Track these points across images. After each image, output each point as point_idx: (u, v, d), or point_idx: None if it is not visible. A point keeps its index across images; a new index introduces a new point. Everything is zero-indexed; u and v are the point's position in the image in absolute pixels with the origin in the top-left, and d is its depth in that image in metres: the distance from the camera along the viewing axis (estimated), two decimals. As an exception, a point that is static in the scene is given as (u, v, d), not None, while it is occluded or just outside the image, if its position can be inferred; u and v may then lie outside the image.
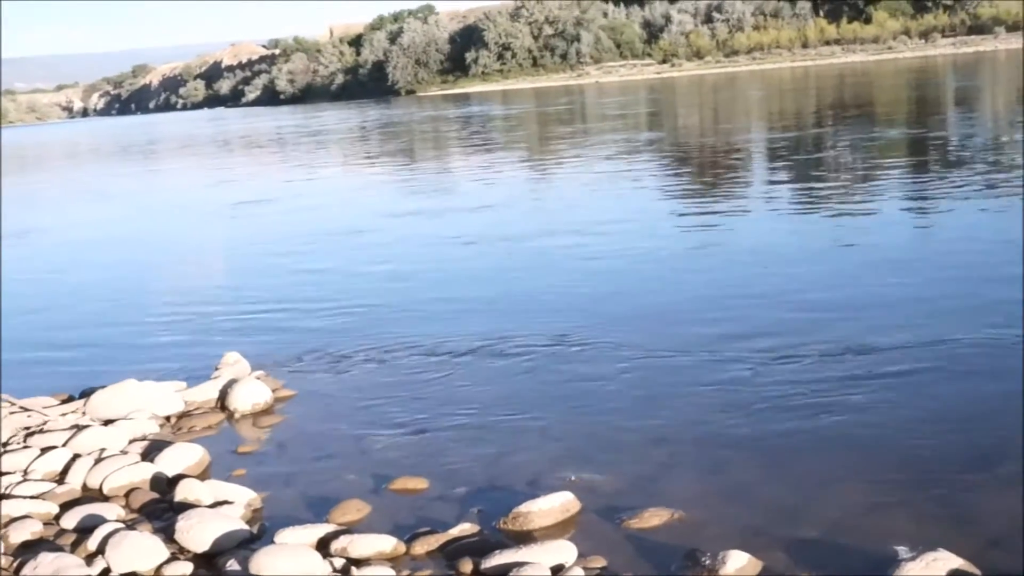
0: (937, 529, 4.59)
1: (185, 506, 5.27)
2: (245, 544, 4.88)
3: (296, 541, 4.77)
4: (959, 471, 5.21)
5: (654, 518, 4.93)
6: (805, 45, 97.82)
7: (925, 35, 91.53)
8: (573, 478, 5.45)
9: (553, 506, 5.01)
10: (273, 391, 7.36)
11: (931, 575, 4.05)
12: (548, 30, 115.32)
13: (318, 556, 4.53)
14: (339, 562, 4.60)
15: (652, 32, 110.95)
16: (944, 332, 7.45)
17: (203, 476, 5.90)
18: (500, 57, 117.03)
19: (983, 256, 9.83)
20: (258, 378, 7.52)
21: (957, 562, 4.13)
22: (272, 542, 4.79)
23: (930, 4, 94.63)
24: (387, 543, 4.77)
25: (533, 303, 9.55)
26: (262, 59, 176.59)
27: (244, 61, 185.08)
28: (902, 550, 4.33)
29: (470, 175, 23.17)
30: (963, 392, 6.31)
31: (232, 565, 4.59)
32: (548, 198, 18.10)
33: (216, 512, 5.12)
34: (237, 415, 7.07)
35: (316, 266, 12.68)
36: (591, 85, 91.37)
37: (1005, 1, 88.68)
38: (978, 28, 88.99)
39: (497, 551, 4.52)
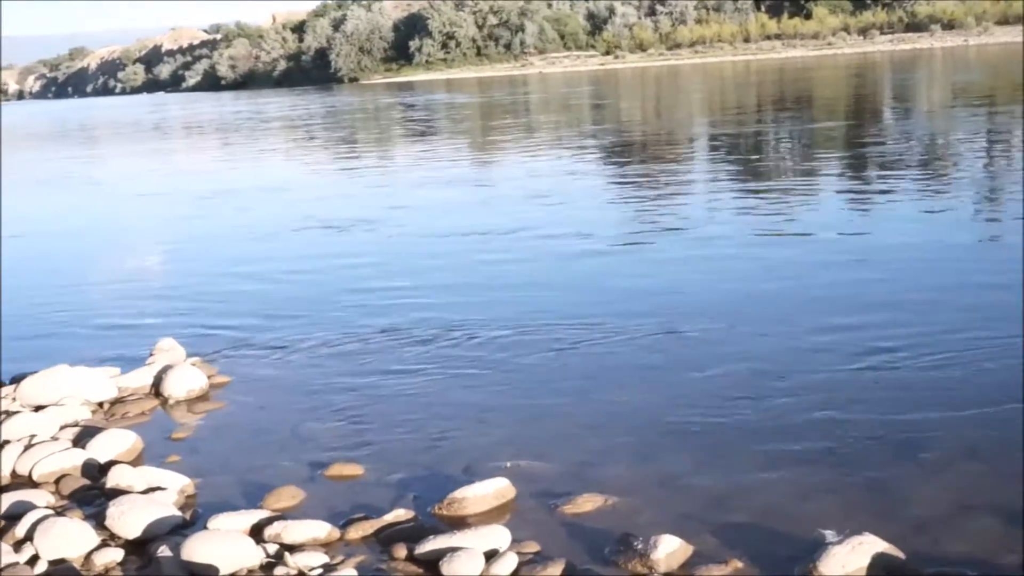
0: (864, 515, 4.67)
1: (117, 492, 5.22)
2: (177, 530, 4.85)
3: (229, 527, 4.74)
4: (886, 459, 5.32)
5: (588, 504, 4.97)
6: (746, 40, 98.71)
7: (864, 32, 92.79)
8: (508, 465, 5.48)
9: (488, 492, 5.03)
10: (209, 377, 7.29)
11: (856, 558, 4.14)
12: (492, 20, 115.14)
13: (251, 542, 4.51)
14: (272, 548, 4.58)
15: (596, 24, 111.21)
16: (869, 322, 7.58)
17: (136, 462, 5.83)
18: (444, 46, 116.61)
19: (918, 250, 10.00)
20: (193, 364, 7.45)
21: (882, 546, 4.22)
22: (205, 528, 4.76)
23: (869, 2, 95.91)
24: (321, 529, 4.76)
25: (471, 292, 9.56)
26: (203, 44, 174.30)
27: (185, 46, 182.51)
28: (829, 534, 4.42)
29: (414, 165, 23.08)
30: (890, 381, 6.42)
31: (163, 551, 4.55)
32: (490, 189, 18.08)
33: (148, 498, 5.07)
34: (172, 401, 7.00)
35: (256, 254, 12.56)
36: (535, 75, 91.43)
37: (942, 0, 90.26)
38: (915, 26, 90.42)
39: (431, 536, 4.54)
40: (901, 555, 4.23)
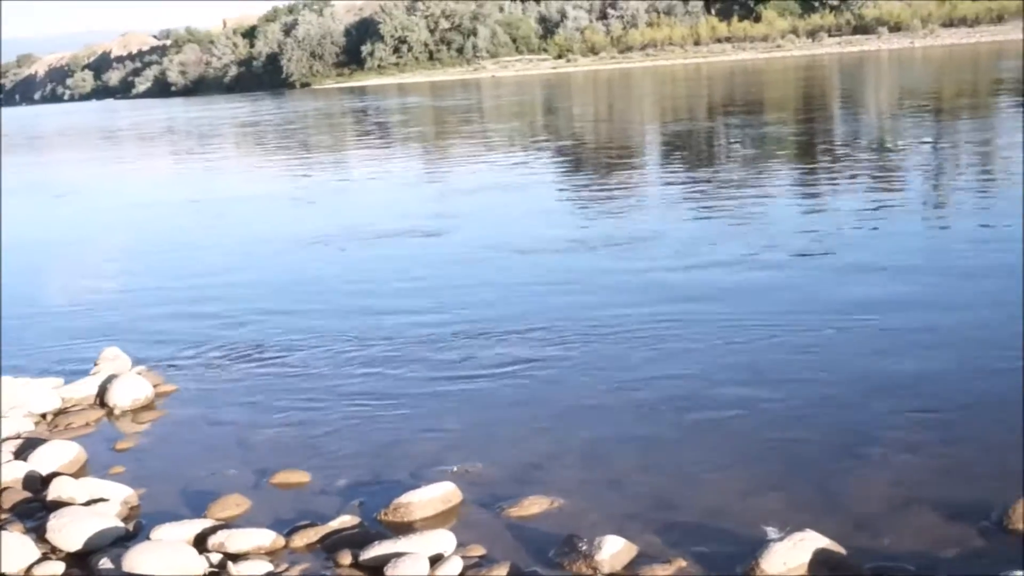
0: (806, 512, 4.72)
1: (58, 505, 5.15)
2: (120, 542, 4.79)
3: (172, 537, 4.70)
4: (829, 456, 5.37)
5: (534, 506, 4.98)
6: (697, 42, 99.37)
7: (812, 34, 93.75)
8: (455, 469, 5.47)
9: (434, 497, 5.03)
10: (154, 386, 7.22)
11: (798, 555, 4.18)
12: (444, 24, 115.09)
13: (194, 552, 4.48)
14: (216, 557, 4.55)
15: (548, 28, 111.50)
16: (809, 321, 7.66)
17: (79, 474, 5.76)
18: (396, 51, 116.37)
19: (869, 249, 10.12)
20: (139, 374, 7.38)
21: (823, 542, 4.27)
22: (148, 539, 4.71)
23: (817, 4, 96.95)
24: (266, 537, 4.73)
25: (417, 298, 9.53)
26: (153, 50, 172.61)
27: (134, 52, 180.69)
28: (771, 531, 4.46)
29: (365, 171, 23.01)
30: (833, 379, 6.49)
31: (105, 564, 4.50)
32: (436, 194, 18.08)
33: (90, 510, 5.01)
34: (116, 411, 6.93)
35: (203, 263, 12.45)
36: (488, 79, 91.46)
37: (888, 2, 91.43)
38: (862, 28, 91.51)
39: (376, 542, 4.52)
40: (842, 551, 4.27)
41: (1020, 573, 3.68)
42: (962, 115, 24.54)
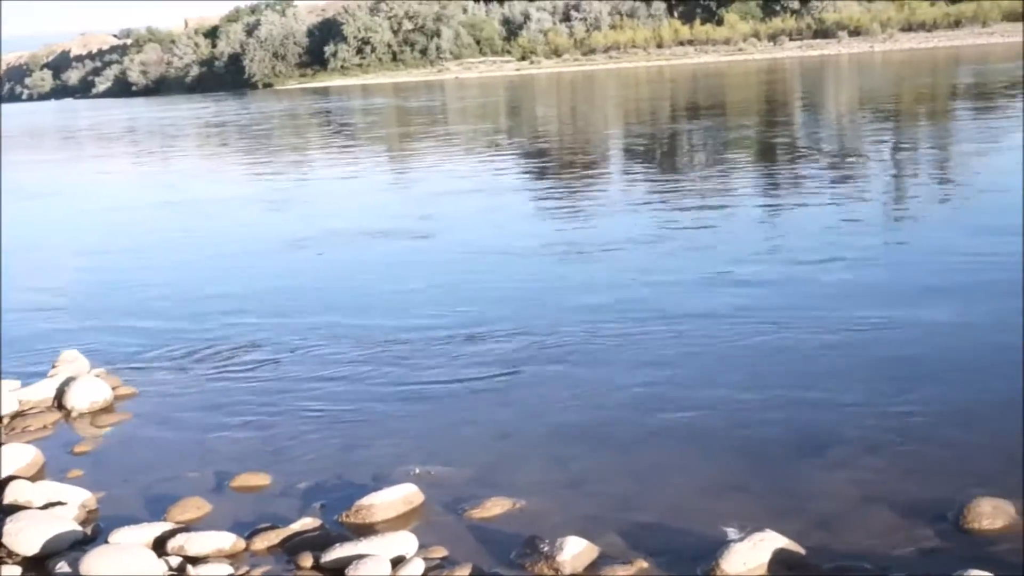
0: (767, 512, 4.75)
1: (15, 508, 5.08)
2: (77, 546, 4.74)
3: (131, 541, 4.66)
4: (789, 456, 5.42)
5: (496, 507, 4.98)
6: (660, 45, 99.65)
7: (773, 38, 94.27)
8: (417, 471, 5.47)
9: (395, 498, 5.02)
10: (113, 389, 7.15)
11: (757, 555, 4.21)
12: (408, 25, 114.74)
13: (152, 555, 4.44)
14: (175, 560, 4.51)
15: (511, 29, 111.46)
16: (775, 324, 7.71)
17: (36, 477, 5.69)
18: (359, 51, 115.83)
19: (833, 250, 10.21)
20: (97, 376, 7.31)
21: (783, 542, 4.30)
22: (106, 543, 4.67)
23: (778, 8, 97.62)
24: (226, 540, 4.70)
25: (377, 300, 9.53)
26: (113, 49, 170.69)
27: (94, 51, 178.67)
28: (731, 531, 4.49)
29: (329, 173, 22.92)
30: (794, 382, 6.53)
31: (62, 567, 4.46)
32: (406, 198, 18.04)
33: (47, 514, 4.96)
34: (75, 414, 6.85)
35: (167, 265, 12.34)
36: (451, 81, 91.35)
37: (847, 2, 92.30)
38: (823, 32, 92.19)
39: (337, 544, 4.51)
40: (802, 551, 4.31)
41: (975, 571, 3.72)
42: (921, 120, 24.83)
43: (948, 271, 8.96)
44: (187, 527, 4.91)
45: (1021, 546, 4.32)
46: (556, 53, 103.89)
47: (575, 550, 4.37)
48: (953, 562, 4.10)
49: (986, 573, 3.74)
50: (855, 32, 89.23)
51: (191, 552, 4.61)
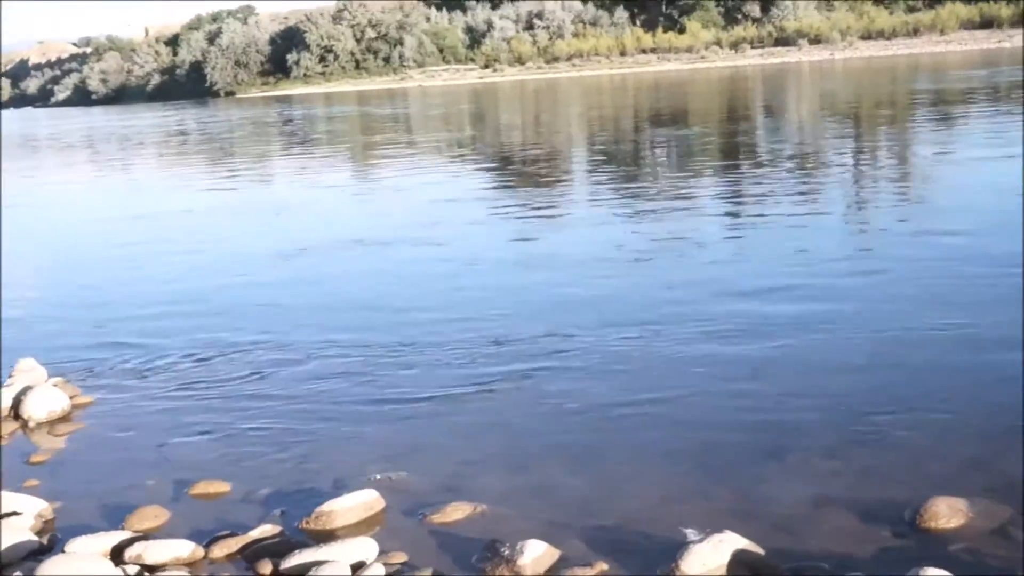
0: (726, 514, 4.78)
1: (-31, 519, 5.02)
2: (33, 556, 4.68)
3: (87, 550, 4.60)
4: (749, 459, 5.45)
5: (457, 512, 4.98)
6: (623, 53, 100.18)
7: (735, 46, 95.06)
8: (379, 476, 5.45)
9: (356, 504, 5.00)
10: (71, 398, 7.08)
11: (717, 556, 4.23)
12: (371, 33, 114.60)
13: (109, 564, 4.40)
14: (132, 569, 4.47)
15: (475, 37, 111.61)
16: (734, 329, 7.75)
17: (-9, 488, 5.62)
18: (322, 59, 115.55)
19: (791, 253, 10.28)
20: (55, 385, 7.23)
21: (743, 543, 4.32)
22: (63, 552, 4.62)
23: (739, 16, 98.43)
24: (184, 548, 4.66)
25: (341, 307, 9.50)
26: (73, 58, 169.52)
27: (53, 60, 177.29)
28: (691, 533, 4.50)
29: (291, 179, 22.85)
30: (753, 384, 6.58)
31: (17, 577, 4.40)
32: (367, 208, 18.01)
33: (3, 524, 4.89)
34: (32, 424, 6.77)
35: (126, 274, 12.23)
36: (415, 89, 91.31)
37: (808, 11, 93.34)
38: (784, 40, 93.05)
39: (297, 551, 4.48)
40: (761, 552, 4.33)
41: (931, 570, 3.76)
42: (881, 125, 25.10)
43: (904, 277, 9.04)
44: (145, 536, 4.86)
45: (976, 544, 4.37)
46: (519, 61, 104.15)
47: (536, 553, 4.37)
48: (910, 561, 4.13)
49: (942, 571, 3.77)
50: (816, 40, 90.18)
51: (149, 560, 4.57)
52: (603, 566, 4.36)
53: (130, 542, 4.72)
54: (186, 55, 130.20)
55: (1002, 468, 5.09)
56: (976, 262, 9.27)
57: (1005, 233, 10.28)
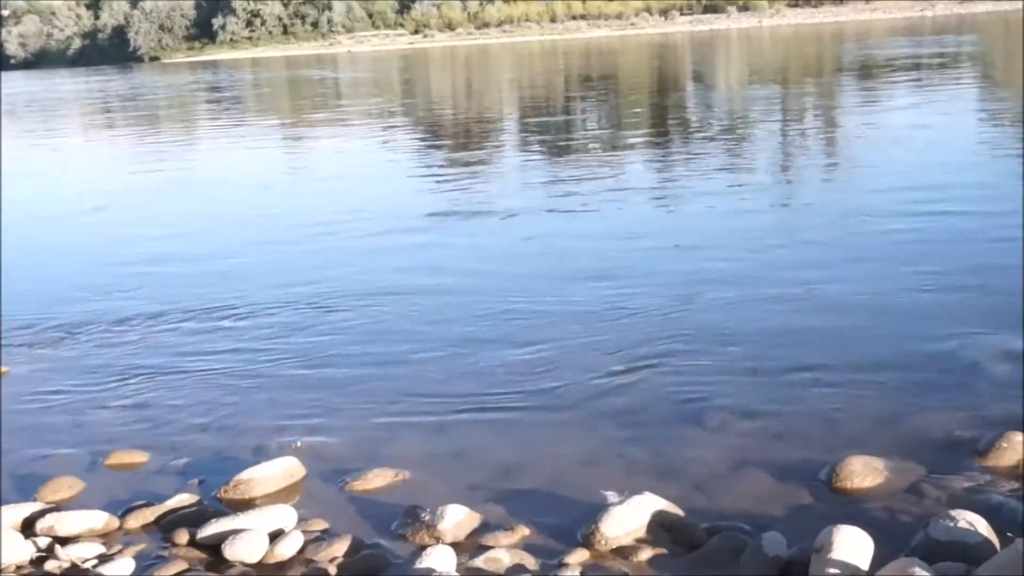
0: (646, 477, 4.80)
1: None
2: (-60, 530, 4.56)
3: (-3, 522, 4.49)
4: (669, 421, 5.48)
5: (378, 479, 4.94)
6: (553, 19, 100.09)
7: (664, 13, 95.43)
8: (299, 444, 5.39)
9: (275, 473, 4.94)
10: (-17, 369, 6.91)
11: (636, 517, 4.25)
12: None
13: (19, 536, 4.29)
14: (44, 541, 4.37)
15: (404, 3, 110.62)
16: (654, 294, 7.79)
17: None
18: (249, 24, 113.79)
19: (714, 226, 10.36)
20: (-34, 355, 7.05)
21: (662, 504, 4.34)
22: (-29, 525, 4.50)
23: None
24: (98, 519, 4.57)
25: (262, 271, 9.39)
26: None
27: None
28: (611, 495, 4.52)
29: (218, 147, 22.48)
30: (672, 349, 6.60)
31: (-76, 552, 4.27)
32: (299, 175, 17.81)
33: (-92, 497, 4.76)
34: (-59, 395, 6.59)
35: (33, 242, 11.93)
36: (343, 55, 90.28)
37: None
38: (712, 8, 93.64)
39: (214, 520, 4.41)
40: (680, 512, 4.35)
41: (843, 526, 3.81)
42: (808, 90, 25.36)
43: (828, 240, 9.17)
44: (58, 507, 4.76)
45: (890, 501, 4.45)
46: (449, 27, 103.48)
47: (456, 518, 4.35)
48: (826, 519, 4.17)
49: (852, 527, 3.82)
50: (744, 8, 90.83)
51: (61, 532, 4.47)
52: (524, 530, 4.35)
53: (42, 514, 4.62)
54: (108, 19, 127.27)
55: (917, 425, 5.18)
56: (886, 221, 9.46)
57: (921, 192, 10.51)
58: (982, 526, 3.84)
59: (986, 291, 7.30)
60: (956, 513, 3.92)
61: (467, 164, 16.28)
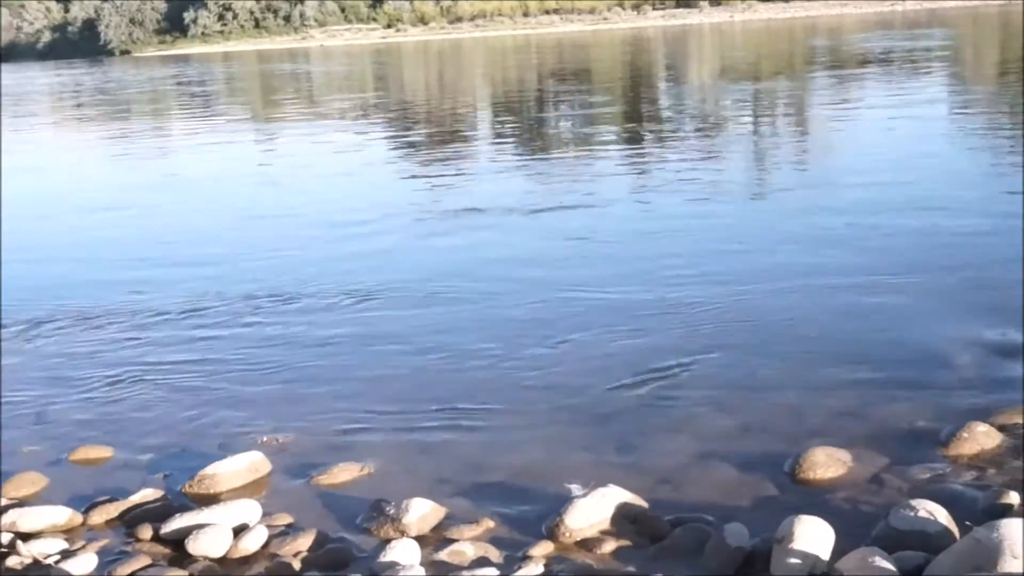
0: (611, 468, 4.82)
1: None
2: (-100, 527, 4.52)
3: (-43, 519, 4.46)
4: (634, 417, 5.48)
5: (344, 473, 4.93)
6: (526, 14, 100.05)
7: (637, 7, 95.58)
8: (264, 439, 5.37)
9: (241, 467, 4.92)
10: (-54, 364, 6.84)
11: (601, 510, 4.26)
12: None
13: (-20, 533, 4.26)
14: (6, 537, 4.33)
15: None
16: (625, 289, 7.80)
17: None
18: (221, 18, 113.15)
19: (680, 217, 10.39)
20: (-71, 351, 6.98)
21: (626, 496, 4.36)
22: (-69, 522, 4.46)
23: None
24: (61, 514, 4.54)
25: (228, 266, 9.34)
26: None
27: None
28: (575, 488, 4.54)
29: (188, 142, 22.36)
30: (639, 343, 6.61)
31: None
32: (264, 166, 17.76)
33: None
34: (-98, 391, 6.52)
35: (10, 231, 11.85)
36: (316, 49, 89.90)
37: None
38: (685, 2, 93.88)
39: (178, 515, 4.39)
40: (644, 504, 4.37)
41: (806, 518, 3.84)
42: (780, 84, 25.47)
43: (788, 234, 9.22)
44: (21, 503, 4.73)
45: (853, 492, 4.48)
46: (422, 21, 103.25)
47: (421, 511, 4.35)
48: (789, 510, 4.19)
49: (814, 517, 3.85)
50: (716, 2, 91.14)
51: (24, 528, 4.44)
52: (488, 523, 4.36)
53: (4, 510, 4.58)
54: (78, 12, 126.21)
55: (881, 416, 5.22)
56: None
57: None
58: (942, 515, 3.87)
59: (950, 283, 7.36)
60: (916, 503, 3.95)
61: (443, 161, 16.27)
